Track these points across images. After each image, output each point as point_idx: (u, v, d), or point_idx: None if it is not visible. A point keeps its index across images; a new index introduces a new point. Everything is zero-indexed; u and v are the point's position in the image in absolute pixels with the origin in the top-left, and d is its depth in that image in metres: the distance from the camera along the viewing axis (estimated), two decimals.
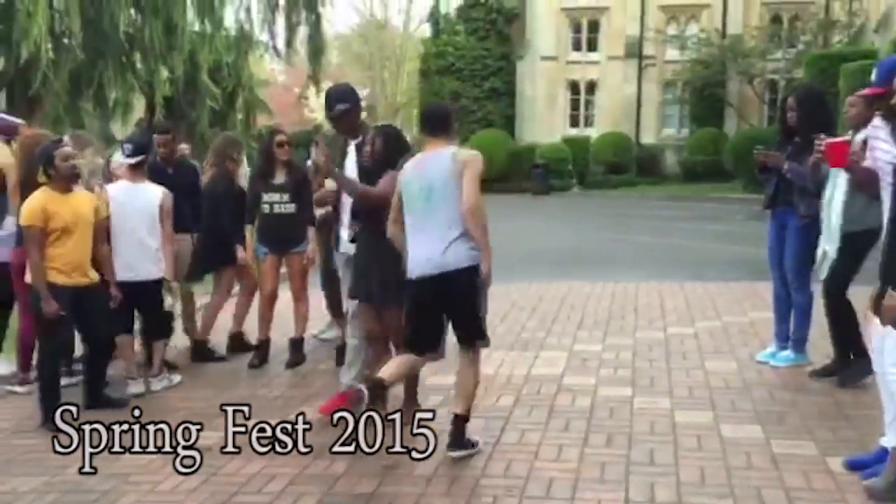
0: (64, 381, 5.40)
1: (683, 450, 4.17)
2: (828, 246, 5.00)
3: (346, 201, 4.88)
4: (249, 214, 6.12)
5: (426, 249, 4.06)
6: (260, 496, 3.80)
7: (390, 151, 4.49)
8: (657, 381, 5.38)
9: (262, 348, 6.14)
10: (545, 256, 10.93)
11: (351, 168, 4.89)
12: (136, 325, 5.65)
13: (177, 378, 5.61)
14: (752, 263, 10.23)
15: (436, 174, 4.08)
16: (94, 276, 4.97)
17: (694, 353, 6.01)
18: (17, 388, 5.50)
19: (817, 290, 5.51)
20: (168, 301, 5.57)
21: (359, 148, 4.83)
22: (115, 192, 5.36)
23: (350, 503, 3.71)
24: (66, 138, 5.57)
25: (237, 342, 6.44)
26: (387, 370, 4.16)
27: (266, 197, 5.99)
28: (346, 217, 4.91)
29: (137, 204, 5.36)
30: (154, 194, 5.43)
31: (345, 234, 4.92)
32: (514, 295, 8.30)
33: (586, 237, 14.19)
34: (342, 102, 4.81)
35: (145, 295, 5.37)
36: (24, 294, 5.17)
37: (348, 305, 4.96)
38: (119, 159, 5.49)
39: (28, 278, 4.83)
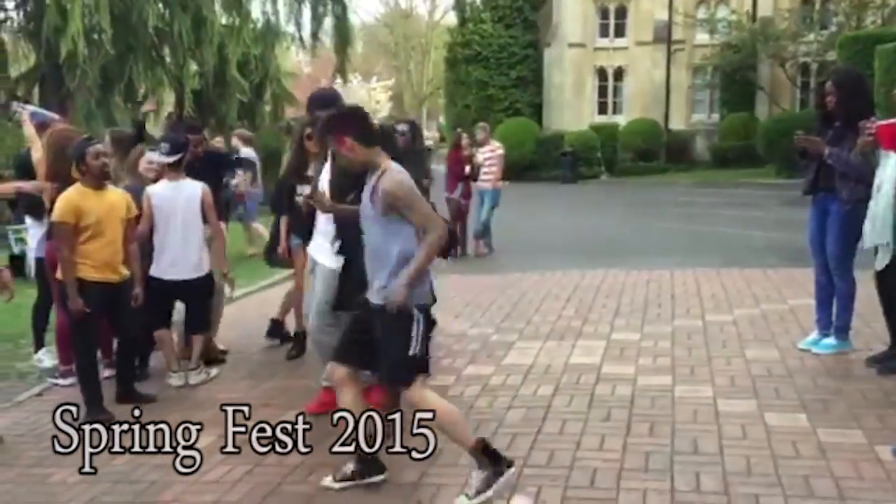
0: (106, 372, 5.50)
1: (728, 439, 4.13)
2: (875, 234, 4.90)
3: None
4: (284, 206, 6.14)
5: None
6: (305, 486, 3.82)
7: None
8: (697, 369, 5.33)
9: (299, 339, 6.17)
10: (576, 244, 10.87)
11: (325, 176, 4.66)
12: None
13: (214, 371, 5.66)
14: (789, 250, 10.13)
15: None
16: (126, 272, 5.01)
17: (734, 341, 5.95)
18: (61, 381, 5.58)
19: (859, 276, 5.44)
20: (227, 291, 5.71)
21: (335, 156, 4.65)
22: (157, 191, 5.39)
23: (396, 492, 3.71)
24: (107, 136, 5.62)
25: (277, 329, 6.49)
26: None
27: (300, 189, 5.99)
28: (323, 225, 4.65)
29: (180, 201, 5.38)
30: (195, 190, 5.45)
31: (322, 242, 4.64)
32: (549, 284, 8.27)
33: (617, 225, 14.09)
34: (322, 109, 4.49)
35: (189, 290, 5.42)
36: (59, 288, 5.24)
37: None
38: (154, 157, 5.50)
39: (59, 274, 4.88)
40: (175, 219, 5.34)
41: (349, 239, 4.28)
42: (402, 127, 6.00)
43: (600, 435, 4.26)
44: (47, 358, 5.94)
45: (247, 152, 11.47)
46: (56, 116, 6.33)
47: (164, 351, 5.48)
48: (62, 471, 4.12)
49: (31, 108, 6.18)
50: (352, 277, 4.28)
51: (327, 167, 4.69)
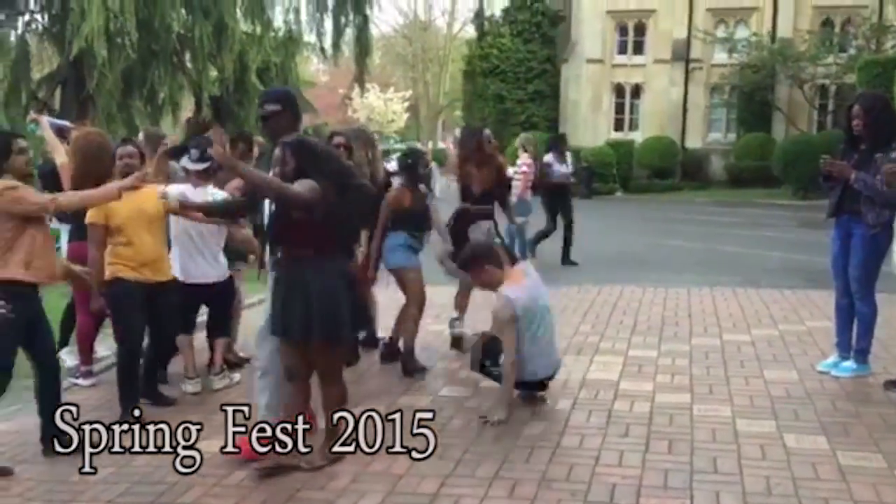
0: (91, 380, 5.55)
1: (747, 459, 4.12)
2: None
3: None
4: None
5: None
6: (323, 493, 3.83)
7: (302, 163, 3.96)
8: (716, 388, 5.32)
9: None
10: (592, 260, 10.86)
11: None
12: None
13: (237, 377, 5.67)
14: (806, 271, 10.10)
15: None
16: (168, 274, 5.04)
17: (752, 361, 5.93)
18: (81, 381, 5.62)
19: (880, 300, 5.42)
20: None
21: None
22: (178, 195, 5.40)
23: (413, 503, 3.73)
24: (140, 135, 5.65)
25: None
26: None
27: None
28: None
29: None
30: (217, 197, 5.46)
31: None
32: (565, 299, 8.27)
33: (633, 241, 14.07)
34: (273, 103, 4.33)
35: (212, 295, 5.45)
36: (82, 290, 5.27)
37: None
38: (185, 164, 5.51)
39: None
40: (197, 224, 5.33)
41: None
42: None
43: (619, 451, 4.26)
44: (69, 357, 5.99)
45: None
46: (69, 124, 6.36)
47: (185, 356, 5.50)
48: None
49: (45, 118, 6.25)
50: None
51: None
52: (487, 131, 7.21)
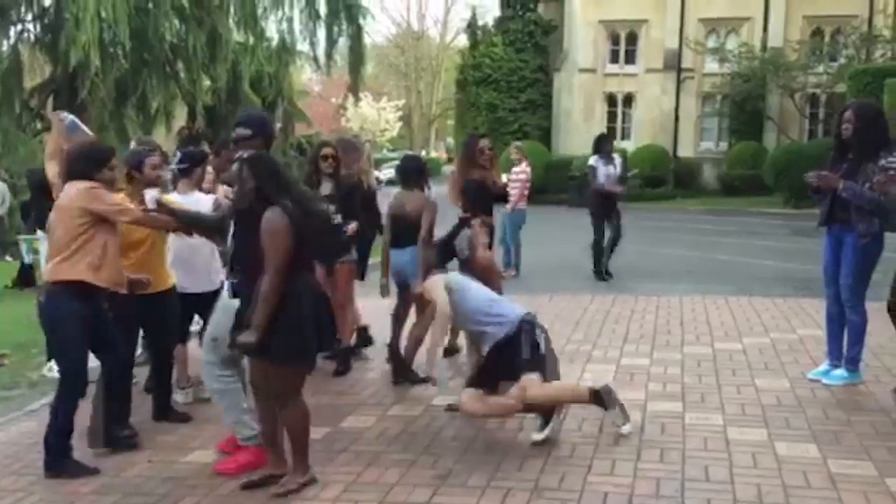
0: None
1: (738, 467, 4.13)
2: None
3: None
4: None
5: None
6: (316, 502, 3.83)
7: (261, 182, 3.82)
8: (708, 397, 5.33)
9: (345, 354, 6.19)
10: (585, 268, 10.87)
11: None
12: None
13: None
14: (797, 279, 10.13)
15: None
16: (169, 283, 5.03)
17: (744, 370, 5.95)
18: None
19: (870, 308, 5.45)
20: None
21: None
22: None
23: None
24: (132, 144, 5.66)
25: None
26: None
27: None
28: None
29: None
30: (206, 204, 5.47)
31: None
32: (557, 307, 8.29)
33: (625, 249, 14.04)
34: (244, 127, 4.35)
35: (205, 305, 5.43)
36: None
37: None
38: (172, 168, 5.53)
39: None
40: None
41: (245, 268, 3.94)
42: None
43: (611, 460, 4.26)
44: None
45: None
46: (91, 134, 6.17)
47: (178, 367, 5.48)
48: (74, 481, 4.13)
49: (71, 117, 5.77)
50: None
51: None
52: (485, 141, 7.02)
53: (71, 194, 4.26)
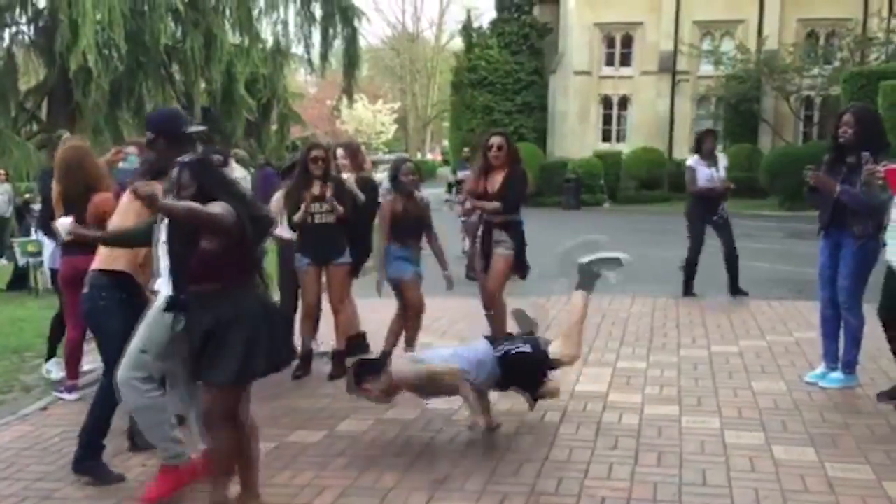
0: (74, 395, 5.49)
1: (736, 471, 4.12)
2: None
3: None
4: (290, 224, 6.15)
5: None
6: None
7: (206, 187, 3.53)
8: (704, 400, 5.32)
9: (305, 360, 6.17)
10: None
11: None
12: None
13: None
14: (793, 282, 10.14)
15: None
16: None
17: (740, 373, 5.94)
18: (66, 395, 5.57)
19: (867, 310, 5.44)
20: None
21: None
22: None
23: None
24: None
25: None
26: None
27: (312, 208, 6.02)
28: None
29: None
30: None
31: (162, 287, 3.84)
32: (553, 310, 8.27)
33: (621, 252, 14.07)
34: (149, 130, 4.07)
35: None
36: (71, 304, 5.22)
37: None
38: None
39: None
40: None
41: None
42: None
43: (608, 464, 4.25)
44: (56, 369, 5.94)
45: (240, 172, 11.47)
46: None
47: None
48: (67, 486, 4.10)
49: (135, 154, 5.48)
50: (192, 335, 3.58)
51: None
52: (495, 138, 6.36)
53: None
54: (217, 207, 3.43)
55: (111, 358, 4.08)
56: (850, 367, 5.50)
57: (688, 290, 9.26)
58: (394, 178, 6.14)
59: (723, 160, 9.26)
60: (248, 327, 3.49)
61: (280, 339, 3.66)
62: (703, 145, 9.25)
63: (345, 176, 6.43)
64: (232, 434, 3.61)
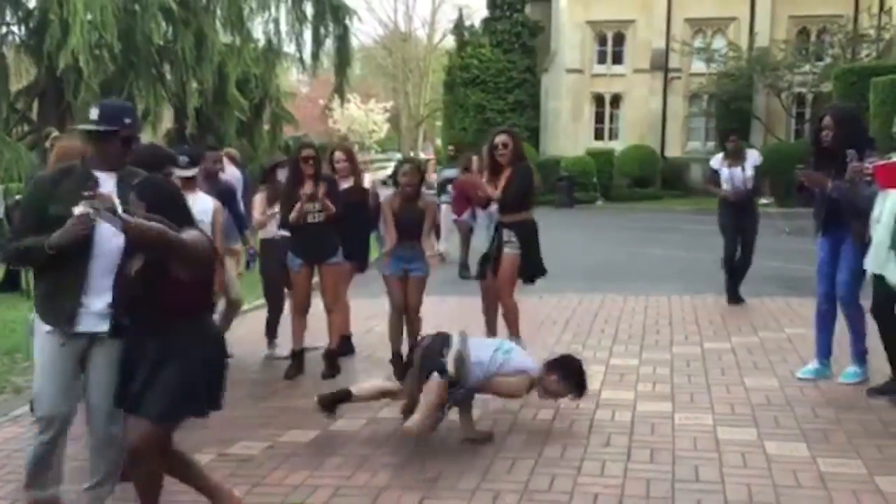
0: None
1: (728, 467, 4.13)
2: (871, 265, 4.95)
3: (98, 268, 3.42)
4: (285, 224, 6.15)
5: None
6: None
7: (161, 211, 3.26)
8: (697, 396, 5.33)
9: (297, 359, 6.16)
10: (573, 269, 10.88)
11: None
12: None
13: None
14: (785, 279, 10.17)
15: None
16: None
17: (733, 369, 5.96)
18: None
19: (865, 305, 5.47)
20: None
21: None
22: None
23: None
24: None
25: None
26: None
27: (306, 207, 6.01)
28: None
29: (196, 215, 5.29)
30: (208, 206, 5.43)
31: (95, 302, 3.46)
32: (546, 308, 8.28)
33: (614, 250, 14.12)
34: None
35: None
36: None
37: None
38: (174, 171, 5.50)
39: None
40: None
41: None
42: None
43: (601, 461, 4.25)
44: None
45: (231, 171, 11.44)
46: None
47: None
48: (58, 487, 4.08)
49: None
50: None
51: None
52: (500, 137, 6.26)
53: None
54: (193, 234, 3.24)
55: None
56: (860, 358, 5.50)
57: (733, 296, 8.44)
58: (394, 179, 6.27)
59: (752, 159, 8.47)
60: (190, 364, 3.26)
61: (216, 385, 3.44)
62: (726, 144, 8.63)
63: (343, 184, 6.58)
64: (161, 467, 3.42)
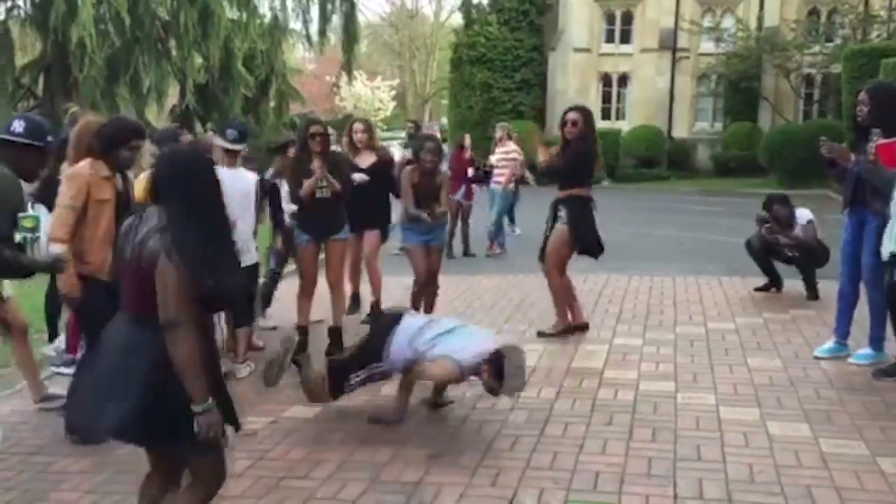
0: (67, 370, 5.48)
1: (730, 447, 4.14)
2: (887, 245, 4.91)
3: None
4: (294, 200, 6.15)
5: None
6: (307, 481, 3.82)
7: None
8: (700, 376, 5.33)
9: (302, 336, 6.16)
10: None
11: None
12: None
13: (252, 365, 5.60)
14: None
15: None
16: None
17: (736, 349, 5.95)
18: (64, 370, 5.56)
19: None
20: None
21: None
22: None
23: (398, 490, 3.71)
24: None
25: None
26: None
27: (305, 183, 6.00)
28: None
29: (237, 189, 5.12)
30: (250, 181, 5.48)
31: None
32: (594, 291, 8.25)
33: (618, 230, 14.04)
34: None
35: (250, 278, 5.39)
36: None
37: None
38: (220, 142, 5.52)
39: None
40: (230, 208, 5.20)
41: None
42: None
43: (603, 439, 4.26)
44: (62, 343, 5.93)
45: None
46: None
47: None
48: (63, 459, 4.12)
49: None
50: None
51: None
52: (570, 114, 6.40)
53: None
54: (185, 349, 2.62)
55: (91, 332, 4.09)
56: (878, 342, 5.47)
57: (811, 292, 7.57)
58: (416, 155, 6.50)
59: (803, 217, 7.68)
60: (156, 380, 2.65)
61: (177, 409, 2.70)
62: (773, 214, 7.77)
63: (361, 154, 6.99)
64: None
